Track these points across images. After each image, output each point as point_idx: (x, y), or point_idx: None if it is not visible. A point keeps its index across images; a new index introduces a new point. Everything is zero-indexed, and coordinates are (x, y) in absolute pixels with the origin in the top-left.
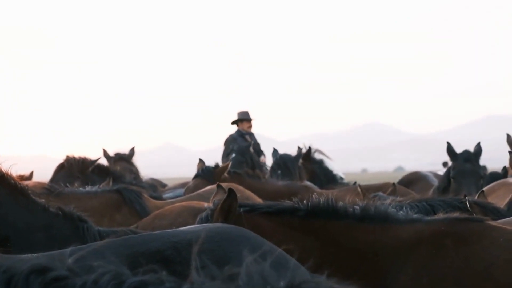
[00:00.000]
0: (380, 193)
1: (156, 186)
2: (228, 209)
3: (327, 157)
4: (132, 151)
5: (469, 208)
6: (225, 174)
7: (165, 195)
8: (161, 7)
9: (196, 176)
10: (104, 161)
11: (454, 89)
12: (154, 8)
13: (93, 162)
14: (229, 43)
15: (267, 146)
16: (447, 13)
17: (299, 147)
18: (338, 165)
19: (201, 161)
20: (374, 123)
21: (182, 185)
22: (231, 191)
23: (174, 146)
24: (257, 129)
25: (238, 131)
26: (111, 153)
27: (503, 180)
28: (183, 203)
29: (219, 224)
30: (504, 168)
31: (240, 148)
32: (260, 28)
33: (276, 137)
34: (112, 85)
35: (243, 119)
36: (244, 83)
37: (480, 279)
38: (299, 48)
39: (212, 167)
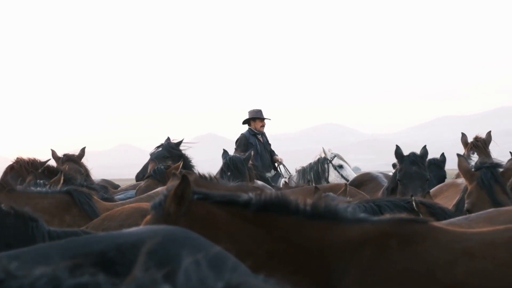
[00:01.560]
0: (331, 194)
1: (107, 188)
2: (182, 195)
3: (346, 162)
4: (82, 151)
5: (415, 208)
6: (177, 173)
7: (117, 197)
8: None
9: (147, 177)
10: (54, 162)
11: (410, 91)
12: None
13: (43, 163)
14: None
15: (225, 146)
16: (401, 15)
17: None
18: (295, 166)
19: (153, 161)
20: (331, 124)
21: (134, 186)
22: (184, 177)
23: (131, 147)
24: (214, 129)
25: (250, 130)
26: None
27: (452, 180)
28: (133, 205)
29: (163, 226)
30: (443, 155)
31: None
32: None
33: (232, 137)
34: (65, 86)
35: (256, 117)
36: (197, 83)
37: (423, 280)
38: (257, 50)
39: (164, 168)
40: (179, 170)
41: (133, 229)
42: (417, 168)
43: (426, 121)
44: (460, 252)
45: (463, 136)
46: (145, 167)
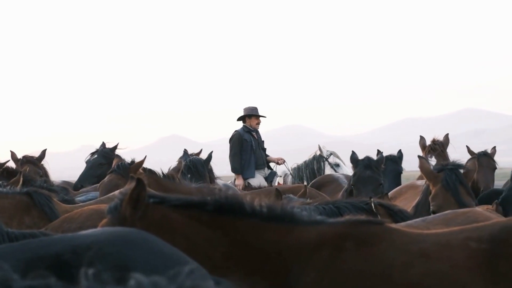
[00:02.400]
0: (291, 195)
1: (68, 189)
2: (137, 198)
3: (341, 160)
4: (42, 153)
5: (374, 210)
6: (141, 171)
7: (78, 198)
8: None
9: (111, 172)
10: (13, 164)
11: (374, 93)
12: None
13: (2, 164)
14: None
15: (187, 148)
16: (366, 19)
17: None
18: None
19: (117, 156)
20: (295, 126)
21: (95, 188)
22: (139, 181)
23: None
24: (177, 130)
25: (244, 127)
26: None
27: (411, 182)
28: (92, 207)
29: (119, 228)
30: (400, 151)
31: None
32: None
33: (196, 139)
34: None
35: (252, 114)
36: (152, 85)
37: (379, 281)
38: (221, 51)
39: (128, 163)
40: (142, 166)
41: (89, 231)
42: (370, 173)
43: (390, 123)
44: (416, 253)
45: (421, 139)
46: (83, 176)
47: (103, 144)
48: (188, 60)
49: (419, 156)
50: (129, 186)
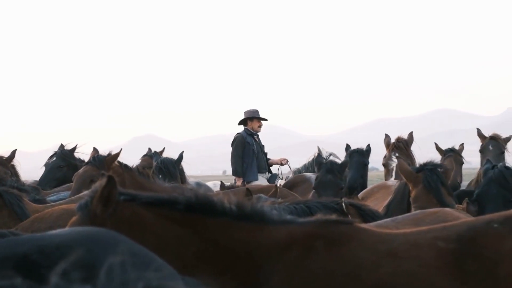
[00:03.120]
0: (261, 195)
1: (39, 189)
2: (108, 196)
3: (339, 159)
4: (12, 154)
5: (345, 209)
6: (117, 164)
7: (49, 198)
8: None
9: (87, 163)
10: None
11: (349, 93)
12: None
13: None
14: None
15: (161, 147)
16: (340, 21)
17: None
18: (231, 168)
19: (94, 149)
20: (270, 126)
21: (67, 188)
22: (110, 178)
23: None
24: (152, 130)
25: (246, 130)
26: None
27: (383, 182)
28: (63, 206)
29: (88, 227)
30: (368, 145)
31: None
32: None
33: (171, 138)
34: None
35: (254, 117)
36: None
37: (348, 280)
38: (198, 54)
39: (104, 156)
40: (117, 158)
41: (57, 230)
42: (331, 177)
43: (364, 123)
44: (384, 253)
45: (386, 137)
46: (42, 179)
47: (62, 146)
48: (163, 61)
49: (397, 157)
50: (100, 183)
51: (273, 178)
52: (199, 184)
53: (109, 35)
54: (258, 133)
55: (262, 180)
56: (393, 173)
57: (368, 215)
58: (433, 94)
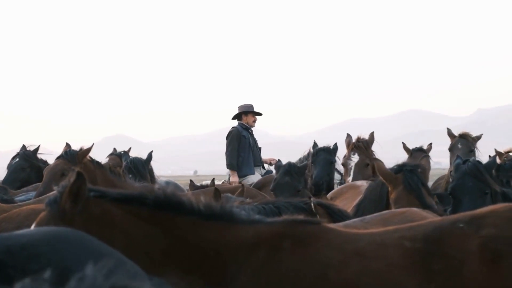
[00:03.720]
0: (229, 194)
1: (7, 189)
2: (77, 192)
3: (339, 160)
4: None
5: (314, 209)
6: (89, 160)
7: (17, 198)
8: None
9: (58, 157)
10: None
11: (319, 94)
12: None
13: None
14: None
15: (132, 147)
16: (311, 22)
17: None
18: (205, 168)
19: (67, 144)
20: None
21: (35, 187)
22: (79, 174)
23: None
24: (123, 130)
25: (241, 124)
26: None
27: (352, 183)
28: (31, 206)
29: (54, 228)
30: (335, 144)
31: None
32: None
33: (141, 138)
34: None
35: (249, 111)
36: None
37: (315, 280)
38: (169, 54)
39: (76, 150)
40: (89, 153)
41: (24, 230)
42: (289, 179)
43: (335, 123)
44: (351, 252)
45: (348, 136)
46: (5, 180)
47: (24, 147)
48: (133, 62)
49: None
50: (69, 179)
51: (268, 173)
52: (168, 183)
53: (80, 33)
54: (253, 128)
55: (257, 175)
56: (351, 173)
57: (337, 215)
58: (405, 95)
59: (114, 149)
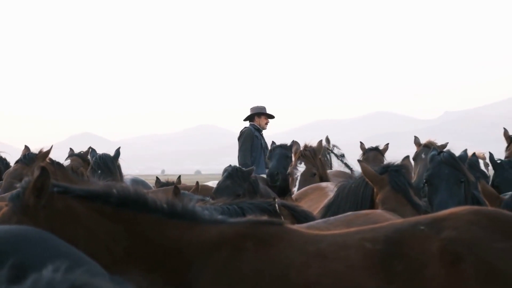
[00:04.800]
0: (186, 192)
1: None
2: (41, 187)
3: (346, 161)
4: None
5: (277, 210)
6: (48, 161)
7: None
8: None
9: (17, 162)
10: None
11: (287, 95)
12: None
13: None
14: None
15: (100, 146)
16: (277, 23)
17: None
18: (173, 167)
19: (26, 147)
20: (207, 126)
21: None
22: (44, 169)
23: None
24: (90, 128)
25: (253, 125)
26: None
27: (316, 184)
28: None
29: (15, 226)
30: (293, 141)
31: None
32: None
33: (108, 137)
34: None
35: (262, 113)
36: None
37: (276, 281)
38: (134, 54)
39: (35, 153)
40: (48, 156)
41: None
42: (230, 183)
43: (304, 124)
44: (313, 253)
45: (295, 144)
46: None
47: None
48: (100, 60)
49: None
50: (34, 174)
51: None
52: (135, 181)
53: (47, 31)
54: (264, 130)
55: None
56: (297, 183)
57: (301, 216)
58: (373, 96)
59: (71, 149)
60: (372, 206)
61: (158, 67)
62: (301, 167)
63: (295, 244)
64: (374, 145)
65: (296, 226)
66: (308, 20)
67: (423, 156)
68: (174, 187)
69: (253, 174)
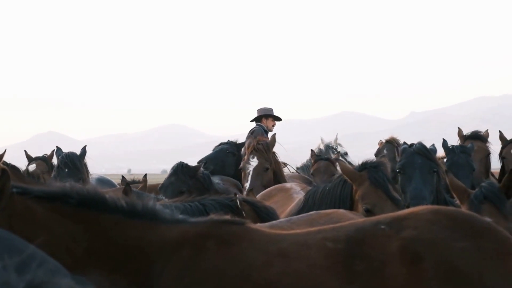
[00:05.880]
0: (135, 189)
1: None
2: (1, 189)
3: (349, 159)
4: None
5: (239, 206)
6: (1, 165)
7: None
8: None
9: None
10: None
11: (253, 95)
12: None
13: None
14: None
15: (66, 145)
16: (250, 23)
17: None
18: (139, 166)
19: None
20: (175, 125)
21: None
22: (4, 171)
23: None
24: (55, 127)
25: (261, 126)
26: None
27: (281, 185)
28: None
29: None
30: (236, 140)
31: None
32: None
33: (74, 136)
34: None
35: (269, 115)
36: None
37: (238, 280)
38: (99, 52)
39: None
40: (2, 159)
41: None
42: (174, 179)
43: None
44: (274, 253)
45: (249, 138)
46: None
47: None
48: (66, 58)
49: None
50: None
51: None
52: (101, 180)
53: (14, 29)
54: (270, 132)
55: None
56: (249, 177)
57: (263, 212)
58: (339, 96)
59: (25, 151)
60: (352, 204)
61: (125, 66)
62: (254, 162)
63: (257, 244)
64: (341, 144)
65: (258, 225)
66: (274, 20)
67: (385, 152)
68: (125, 184)
69: (200, 170)
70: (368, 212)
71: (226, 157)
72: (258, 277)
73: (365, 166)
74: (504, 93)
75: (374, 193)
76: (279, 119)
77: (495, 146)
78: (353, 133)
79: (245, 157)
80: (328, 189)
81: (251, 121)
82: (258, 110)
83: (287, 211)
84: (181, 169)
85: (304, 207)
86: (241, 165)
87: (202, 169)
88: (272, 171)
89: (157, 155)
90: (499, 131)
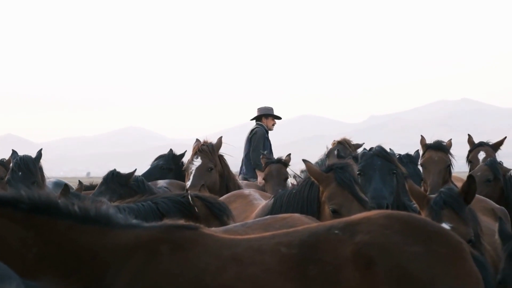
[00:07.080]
0: (73, 189)
1: None
2: None
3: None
4: None
5: (191, 202)
6: None
7: None
8: None
9: None
10: None
11: (214, 97)
12: None
13: None
14: None
15: (24, 148)
16: (210, 25)
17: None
18: (98, 169)
19: None
20: (136, 128)
21: None
22: None
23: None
24: (12, 130)
25: (262, 125)
26: None
27: (239, 191)
28: None
29: None
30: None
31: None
32: None
33: (34, 139)
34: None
35: (269, 114)
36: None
37: (192, 285)
38: (66, 53)
39: None
40: None
41: None
42: (104, 189)
43: (229, 127)
44: (229, 258)
45: (196, 141)
46: None
47: None
48: (19, 60)
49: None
50: None
51: None
52: (58, 184)
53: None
54: (270, 131)
55: None
56: (191, 177)
57: (215, 207)
58: (299, 99)
59: (14, 151)
60: (319, 206)
61: (85, 66)
62: (197, 162)
63: (211, 249)
64: (300, 147)
65: (213, 230)
66: (238, 22)
67: (335, 152)
68: (64, 185)
69: (133, 177)
70: (335, 213)
71: (161, 173)
72: (212, 282)
73: (332, 167)
74: (463, 97)
75: (341, 194)
76: (279, 118)
77: (455, 152)
78: (313, 136)
79: (190, 158)
80: (295, 191)
81: (251, 119)
82: (258, 109)
83: (253, 216)
84: (111, 178)
85: (273, 210)
86: (185, 166)
87: (135, 175)
88: (218, 173)
89: (116, 158)
90: (468, 135)
